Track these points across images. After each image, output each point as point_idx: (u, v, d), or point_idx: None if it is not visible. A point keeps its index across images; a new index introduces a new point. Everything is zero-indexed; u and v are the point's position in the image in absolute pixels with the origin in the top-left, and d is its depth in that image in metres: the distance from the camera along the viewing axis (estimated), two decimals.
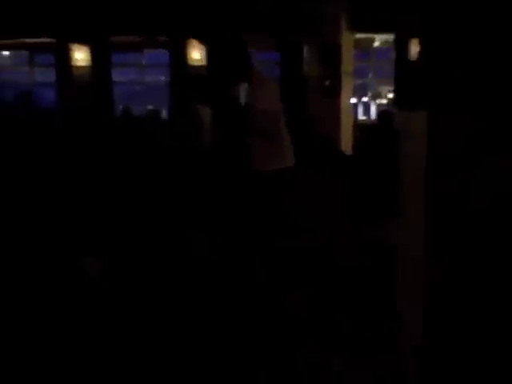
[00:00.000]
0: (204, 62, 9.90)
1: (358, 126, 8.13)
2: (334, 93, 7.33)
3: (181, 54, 9.98)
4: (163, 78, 10.80)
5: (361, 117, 11.28)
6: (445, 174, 1.95)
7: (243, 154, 3.23)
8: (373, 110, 11.53)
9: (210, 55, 9.84)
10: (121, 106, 9.80)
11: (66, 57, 10.05)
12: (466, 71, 1.93)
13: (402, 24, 7.87)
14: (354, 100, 9.82)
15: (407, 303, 2.25)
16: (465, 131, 1.93)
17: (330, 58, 7.19)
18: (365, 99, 11.49)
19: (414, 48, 8.76)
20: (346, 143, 7.27)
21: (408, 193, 2.24)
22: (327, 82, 7.48)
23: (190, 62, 9.93)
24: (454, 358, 2.00)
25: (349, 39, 7.15)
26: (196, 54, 9.93)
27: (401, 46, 9.30)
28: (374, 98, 11.50)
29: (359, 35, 8.16)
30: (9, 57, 11.48)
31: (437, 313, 2.01)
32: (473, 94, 1.93)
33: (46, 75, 10.72)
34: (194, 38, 9.80)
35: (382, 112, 6.87)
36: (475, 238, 1.96)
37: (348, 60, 7.19)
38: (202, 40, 9.79)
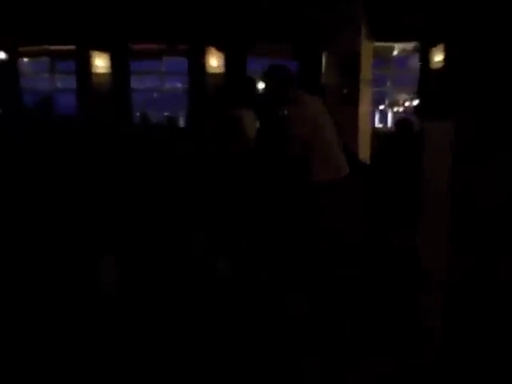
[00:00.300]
0: (222, 70, 9.99)
1: (376, 134, 8.11)
2: (353, 101, 7.31)
3: (199, 62, 10.08)
4: (181, 85, 10.91)
5: (377, 124, 11.29)
6: (469, 175, 1.97)
7: (288, 163, 3.29)
8: (389, 117, 11.53)
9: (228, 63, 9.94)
10: (138, 113, 9.94)
11: (86, 64, 10.21)
12: (491, 76, 1.95)
13: (427, 32, 7.87)
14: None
15: (429, 303, 2.26)
16: (487, 134, 1.95)
17: (349, 67, 7.19)
18: (381, 107, 11.50)
19: (438, 56, 8.76)
20: (365, 151, 7.25)
21: (432, 196, 2.25)
22: (345, 91, 7.47)
23: (209, 70, 10.02)
24: (473, 357, 2.00)
25: (368, 48, 7.16)
26: (214, 61, 10.02)
27: (425, 54, 9.30)
28: (392, 105, 11.50)
29: (378, 44, 8.17)
30: (30, 63, 11.66)
31: (458, 312, 2.02)
32: (497, 98, 1.94)
33: (66, 82, 10.87)
34: (213, 45, 9.90)
35: (400, 120, 6.83)
36: (498, 238, 1.97)
37: (367, 68, 7.19)
38: (221, 48, 9.89)
